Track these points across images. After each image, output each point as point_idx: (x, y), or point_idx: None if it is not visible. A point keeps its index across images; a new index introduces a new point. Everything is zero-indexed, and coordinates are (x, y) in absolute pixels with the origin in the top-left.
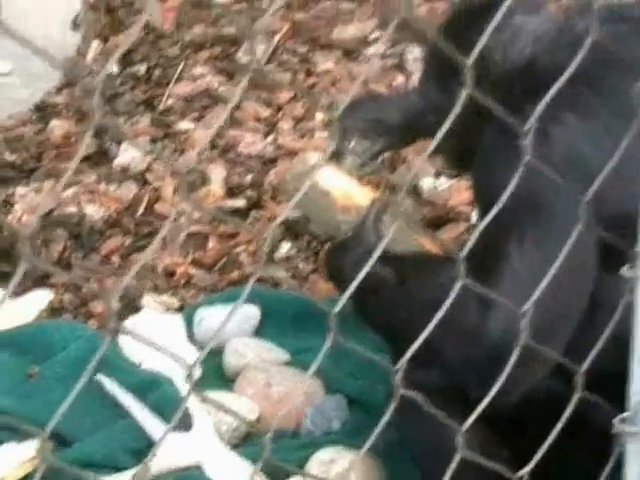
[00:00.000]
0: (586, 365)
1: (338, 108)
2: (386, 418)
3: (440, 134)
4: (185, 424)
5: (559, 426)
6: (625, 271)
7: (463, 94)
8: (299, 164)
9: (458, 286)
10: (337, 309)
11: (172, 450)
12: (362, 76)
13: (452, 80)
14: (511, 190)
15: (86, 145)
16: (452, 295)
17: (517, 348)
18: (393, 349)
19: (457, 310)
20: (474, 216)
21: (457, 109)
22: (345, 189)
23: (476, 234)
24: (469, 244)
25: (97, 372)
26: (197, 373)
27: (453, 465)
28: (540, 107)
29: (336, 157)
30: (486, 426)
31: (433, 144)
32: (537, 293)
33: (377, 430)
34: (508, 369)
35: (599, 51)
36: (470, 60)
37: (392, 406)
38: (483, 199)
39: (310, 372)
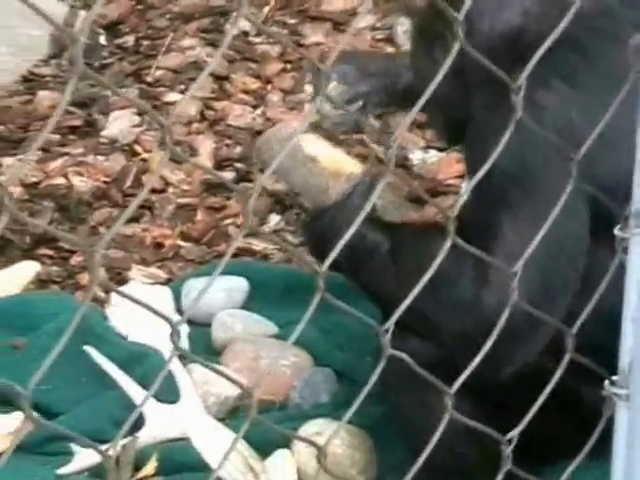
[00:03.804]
0: (576, 327)
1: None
2: (374, 378)
3: (428, 92)
4: (173, 396)
5: (548, 389)
6: (617, 231)
7: (455, 48)
8: (280, 130)
9: (447, 245)
10: (325, 267)
11: (159, 422)
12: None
13: (438, 49)
14: (502, 167)
15: (72, 114)
16: (441, 255)
17: (508, 308)
18: (386, 316)
19: (453, 286)
20: (464, 189)
21: (447, 64)
22: (332, 156)
23: (466, 195)
24: (459, 204)
25: (85, 344)
26: (185, 345)
27: (441, 427)
28: (530, 66)
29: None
30: (474, 401)
31: (417, 106)
32: (523, 258)
33: (363, 394)
34: (498, 328)
35: (588, 19)
36: (461, 15)
37: (380, 367)
38: (475, 173)
39: (294, 335)
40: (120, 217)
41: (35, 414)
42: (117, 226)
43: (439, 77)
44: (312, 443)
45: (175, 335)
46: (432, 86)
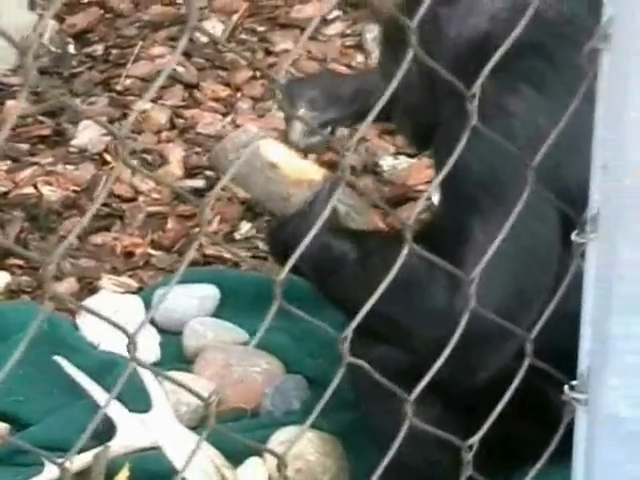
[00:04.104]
0: (536, 332)
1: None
2: (333, 386)
3: (386, 96)
4: (144, 406)
5: (508, 393)
6: (574, 237)
7: (408, 54)
8: (240, 135)
9: (405, 252)
10: (282, 275)
11: (131, 432)
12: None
13: (403, 55)
14: (472, 173)
15: (41, 124)
16: (399, 262)
17: (466, 313)
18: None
19: (426, 293)
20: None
21: (403, 69)
22: (293, 163)
23: (434, 200)
24: (417, 211)
25: (56, 354)
26: (156, 354)
27: (401, 434)
28: (485, 72)
29: (286, 123)
30: (441, 406)
31: (378, 106)
32: (483, 263)
33: (323, 401)
34: (458, 334)
35: (554, 27)
36: (414, 22)
37: (340, 374)
38: (445, 178)
39: (254, 341)
40: (76, 227)
41: (4, 425)
42: (72, 236)
43: (396, 81)
44: (272, 453)
45: (132, 345)
46: (389, 90)
